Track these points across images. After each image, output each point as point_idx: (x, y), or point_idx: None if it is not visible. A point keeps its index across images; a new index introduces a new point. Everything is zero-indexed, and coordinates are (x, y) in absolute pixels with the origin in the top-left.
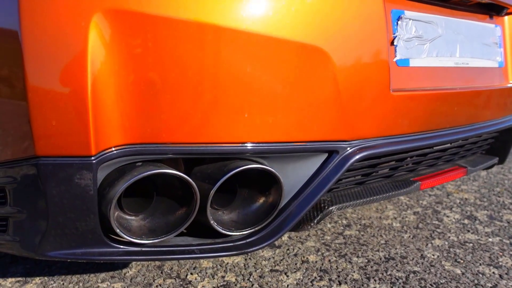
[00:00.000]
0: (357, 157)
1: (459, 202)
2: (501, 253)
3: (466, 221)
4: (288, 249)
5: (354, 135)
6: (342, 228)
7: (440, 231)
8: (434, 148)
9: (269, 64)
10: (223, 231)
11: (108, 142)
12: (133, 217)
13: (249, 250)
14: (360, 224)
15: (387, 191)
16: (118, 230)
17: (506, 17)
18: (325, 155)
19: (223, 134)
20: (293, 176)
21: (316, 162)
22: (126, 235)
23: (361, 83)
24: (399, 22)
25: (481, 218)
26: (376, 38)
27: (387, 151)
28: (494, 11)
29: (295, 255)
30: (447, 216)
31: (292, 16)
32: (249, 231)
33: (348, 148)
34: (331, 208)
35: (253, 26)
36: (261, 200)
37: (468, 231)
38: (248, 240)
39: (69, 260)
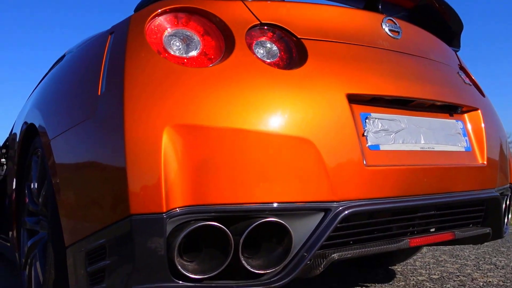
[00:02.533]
0: (345, 213)
1: (482, 284)
2: None
3: None
4: None
5: (341, 198)
6: None
7: None
8: (420, 214)
9: (277, 150)
10: (252, 270)
11: (173, 204)
12: (189, 263)
13: (272, 285)
14: None
15: (380, 245)
16: (180, 268)
17: (466, 115)
18: (322, 213)
19: (248, 197)
20: (301, 230)
21: (316, 218)
22: (186, 273)
23: (341, 161)
24: (367, 121)
25: None
26: (348, 132)
27: (368, 209)
28: (451, 110)
29: None
30: None
31: (289, 121)
32: (271, 270)
33: (338, 207)
34: (333, 255)
35: (267, 128)
36: (279, 248)
37: None
38: (271, 279)
39: None
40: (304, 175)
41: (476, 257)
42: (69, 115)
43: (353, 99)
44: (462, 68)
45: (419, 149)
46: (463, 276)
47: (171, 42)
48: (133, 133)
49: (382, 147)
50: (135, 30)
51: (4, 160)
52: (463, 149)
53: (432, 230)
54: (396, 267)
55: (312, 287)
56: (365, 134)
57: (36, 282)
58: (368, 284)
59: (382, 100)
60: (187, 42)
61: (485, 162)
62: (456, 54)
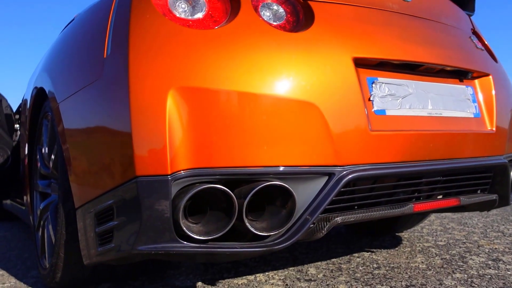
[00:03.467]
0: (349, 177)
1: (488, 251)
2: None
3: (490, 262)
4: (322, 281)
5: (346, 162)
6: (372, 268)
7: (463, 269)
8: (425, 180)
9: (282, 114)
10: (256, 232)
11: (178, 166)
12: (194, 225)
13: (275, 247)
14: (389, 267)
15: (384, 210)
16: (185, 229)
17: (476, 80)
18: (326, 177)
19: (253, 160)
20: (305, 193)
21: (320, 182)
22: (191, 234)
23: (346, 126)
24: (373, 85)
25: (506, 260)
26: (353, 96)
27: (372, 174)
28: (461, 75)
29: (327, 285)
30: (473, 260)
31: (294, 84)
32: (275, 232)
33: (342, 171)
34: (337, 219)
35: (272, 91)
36: (283, 211)
37: (490, 268)
38: (275, 241)
39: (153, 252)
40: (309, 139)
41: (484, 225)
42: (76, 78)
43: (360, 63)
44: (475, 32)
45: (426, 114)
46: (470, 243)
47: (177, 4)
48: (138, 95)
49: (388, 112)
50: None
51: (17, 126)
52: (472, 115)
53: (439, 196)
54: (403, 234)
55: (318, 252)
56: (371, 99)
57: (48, 242)
58: (374, 250)
59: (389, 64)
60: (193, 4)
61: (494, 129)
62: (470, 19)
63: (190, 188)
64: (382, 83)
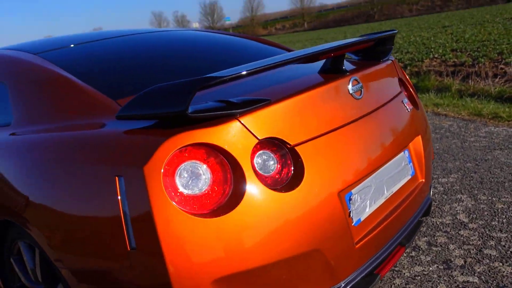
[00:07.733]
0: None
1: None
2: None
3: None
4: None
5: (341, 279)
6: None
7: (397, 270)
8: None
9: (289, 272)
10: None
11: None
12: None
13: None
14: None
15: None
16: None
17: (410, 143)
18: None
19: None
20: None
21: None
22: None
23: (339, 252)
24: (350, 201)
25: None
26: (340, 224)
27: (361, 277)
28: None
29: None
30: None
31: (300, 238)
32: None
33: (341, 285)
34: None
35: (280, 257)
36: None
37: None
38: None
39: None
40: (314, 276)
41: None
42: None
43: (342, 190)
44: (400, 79)
45: (384, 200)
46: None
47: (181, 173)
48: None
49: (362, 218)
50: (154, 184)
51: None
52: (410, 176)
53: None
54: None
55: None
56: (350, 215)
57: None
58: None
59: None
60: (198, 177)
61: (424, 180)
62: (393, 63)
63: None
64: (355, 194)
